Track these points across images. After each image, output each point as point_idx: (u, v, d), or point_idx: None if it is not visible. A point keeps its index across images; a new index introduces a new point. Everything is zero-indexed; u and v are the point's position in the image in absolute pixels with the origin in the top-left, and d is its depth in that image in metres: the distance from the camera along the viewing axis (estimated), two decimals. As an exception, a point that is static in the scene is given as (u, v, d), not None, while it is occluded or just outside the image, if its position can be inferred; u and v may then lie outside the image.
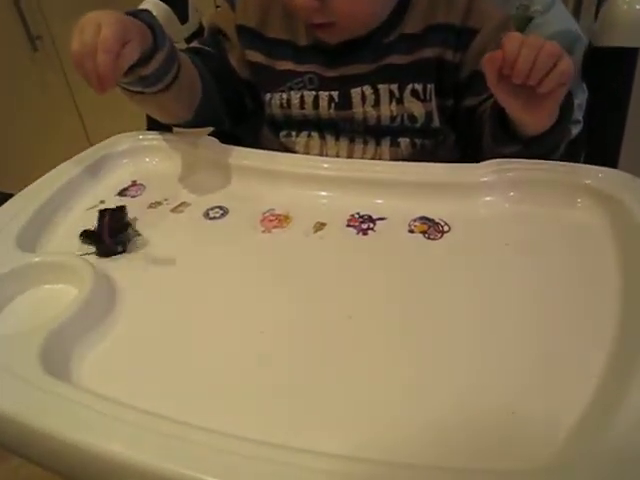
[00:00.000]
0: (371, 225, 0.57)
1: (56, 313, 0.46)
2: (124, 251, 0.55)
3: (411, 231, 0.56)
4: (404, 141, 0.70)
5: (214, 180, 0.65)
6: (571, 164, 0.59)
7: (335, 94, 0.70)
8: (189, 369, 0.44)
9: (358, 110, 0.70)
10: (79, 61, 0.52)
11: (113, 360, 0.45)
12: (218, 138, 0.69)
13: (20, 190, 0.63)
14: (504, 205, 0.58)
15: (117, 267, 0.53)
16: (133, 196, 0.65)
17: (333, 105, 0.70)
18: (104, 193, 0.65)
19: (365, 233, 0.56)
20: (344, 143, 0.72)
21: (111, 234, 0.56)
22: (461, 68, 0.68)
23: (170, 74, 0.62)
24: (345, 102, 0.70)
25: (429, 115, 0.69)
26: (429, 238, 0.55)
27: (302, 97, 0.71)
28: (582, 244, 0.53)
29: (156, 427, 0.37)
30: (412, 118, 0.69)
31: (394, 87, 0.68)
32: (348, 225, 0.57)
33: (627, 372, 0.39)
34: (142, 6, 0.86)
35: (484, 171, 0.59)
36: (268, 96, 0.73)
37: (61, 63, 1.62)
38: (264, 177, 0.64)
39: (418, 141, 0.71)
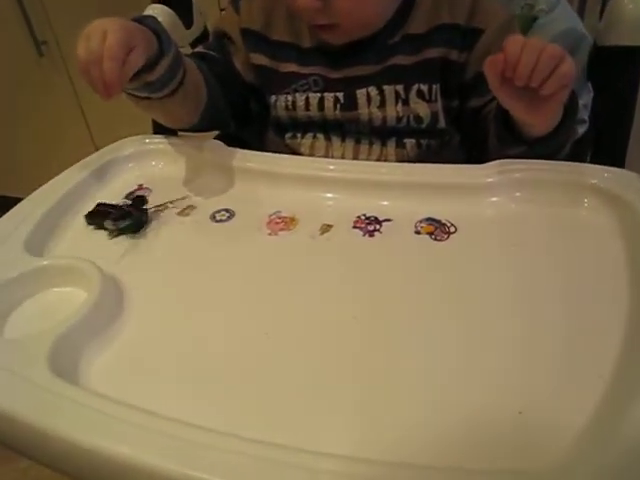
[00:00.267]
0: (377, 227, 0.57)
1: (65, 316, 0.46)
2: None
3: (417, 232, 0.56)
4: (410, 142, 0.70)
5: (220, 183, 0.66)
6: (577, 164, 0.59)
7: (340, 95, 0.70)
8: (196, 371, 0.44)
9: (364, 111, 0.70)
10: (85, 68, 0.53)
11: (121, 363, 0.45)
12: (223, 141, 0.69)
13: (27, 193, 0.63)
14: (510, 205, 0.58)
15: (124, 270, 0.53)
16: (140, 199, 0.65)
17: (338, 106, 0.70)
18: (111, 197, 0.65)
19: (371, 235, 0.56)
20: (350, 144, 0.72)
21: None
22: (466, 68, 0.68)
23: (175, 79, 0.62)
24: (350, 103, 0.70)
25: (435, 116, 0.69)
26: (436, 239, 0.55)
27: (307, 99, 0.71)
28: (589, 244, 0.53)
29: (164, 429, 0.37)
30: (418, 119, 0.69)
31: (399, 88, 0.68)
32: (354, 227, 0.57)
33: (635, 374, 0.39)
34: (147, 11, 0.87)
35: (490, 172, 0.59)
36: (273, 98, 0.74)
37: (67, 68, 1.63)
38: (270, 179, 0.64)
39: (424, 142, 0.71)
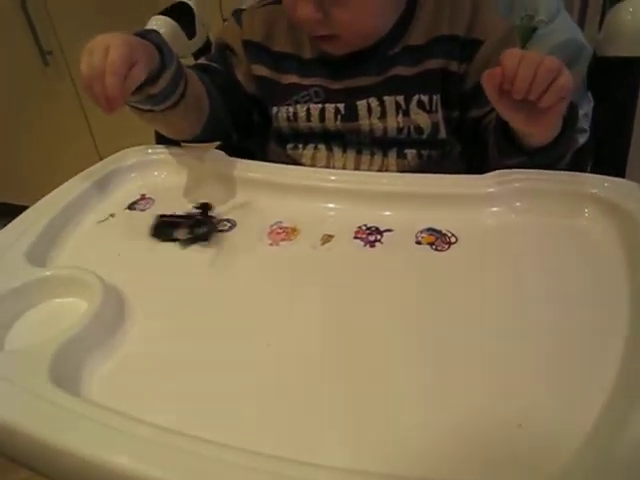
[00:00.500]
0: (378, 237, 0.57)
1: (66, 327, 0.46)
2: None
3: (418, 242, 0.56)
4: (411, 152, 0.71)
5: (222, 193, 0.66)
6: (577, 174, 0.59)
7: (341, 106, 0.70)
8: (197, 382, 0.44)
9: (364, 122, 0.70)
10: (88, 84, 0.54)
11: (122, 374, 0.45)
12: (225, 151, 0.69)
13: (31, 201, 0.64)
14: (510, 215, 0.58)
15: (126, 280, 0.53)
16: (142, 209, 0.66)
17: (339, 117, 0.71)
18: (113, 207, 0.66)
19: (372, 245, 0.56)
20: (351, 155, 0.72)
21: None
22: (466, 79, 0.68)
23: (177, 92, 0.62)
24: (351, 114, 0.70)
25: (435, 126, 0.70)
26: (436, 249, 0.55)
27: (308, 110, 0.71)
28: (589, 254, 0.53)
29: (165, 441, 0.37)
30: (418, 129, 0.70)
31: (400, 99, 0.69)
32: (355, 237, 0.57)
33: (636, 386, 0.39)
34: (150, 22, 0.87)
35: (490, 182, 0.59)
36: (275, 110, 0.74)
37: (71, 77, 1.65)
38: (271, 190, 0.64)
39: (425, 152, 0.71)
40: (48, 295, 0.52)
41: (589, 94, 0.78)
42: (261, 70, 0.74)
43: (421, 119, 0.69)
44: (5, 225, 0.60)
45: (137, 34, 0.59)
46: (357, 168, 0.72)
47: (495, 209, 0.59)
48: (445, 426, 0.39)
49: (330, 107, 0.71)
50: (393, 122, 0.69)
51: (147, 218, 0.63)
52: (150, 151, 0.72)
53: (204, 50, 0.94)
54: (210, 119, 0.70)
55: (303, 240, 0.58)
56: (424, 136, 0.70)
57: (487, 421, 0.39)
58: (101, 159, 0.72)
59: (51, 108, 1.72)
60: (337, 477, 0.35)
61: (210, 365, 0.45)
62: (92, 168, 0.70)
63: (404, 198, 0.60)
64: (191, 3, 0.93)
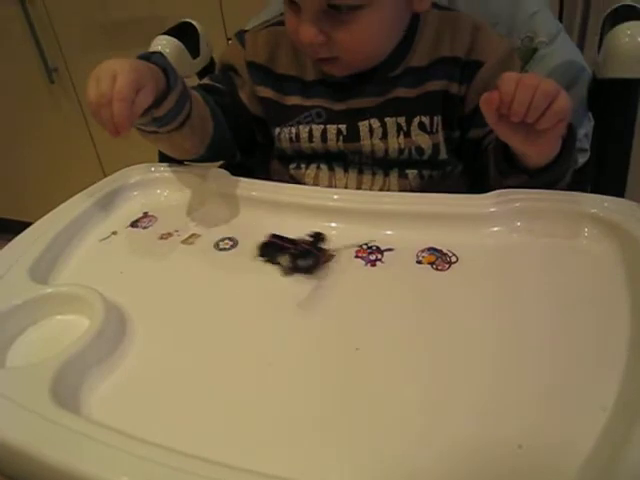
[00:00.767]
0: (379, 256, 0.58)
1: (68, 344, 0.46)
2: None
3: (419, 262, 0.56)
4: (412, 173, 0.71)
5: (224, 211, 0.66)
6: (576, 193, 0.59)
7: (343, 127, 0.71)
8: (198, 401, 0.44)
9: (366, 143, 0.71)
10: (96, 110, 0.54)
11: (124, 392, 0.45)
12: (228, 170, 0.70)
13: (35, 218, 0.64)
14: (511, 235, 0.58)
15: (128, 298, 0.54)
16: (145, 227, 0.66)
17: (341, 138, 0.71)
18: (116, 225, 0.66)
19: (373, 264, 0.57)
20: (353, 175, 0.73)
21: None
22: (466, 100, 0.69)
23: (182, 114, 0.63)
24: (353, 135, 0.71)
25: (436, 147, 0.70)
26: (437, 269, 0.55)
27: (310, 131, 0.72)
28: (589, 273, 0.53)
29: (165, 461, 0.37)
30: (419, 150, 0.70)
31: (401, 120, 0.69)
32: (357, 256, 0.58)
33: (636, 406, 0.39)
34: (154, 41, 0.88)
35: (491, 201, 0.60)
36: (277, 130, 0.75)
37: (76, 94, 1.66)
38: (274, 208, 0.65)
39: (426, 172, 0.72)
40: (50, 312, 0.52)
41: (589, 114, 0.79)
42: (265, 92, 0.75)
43: (422, 140, 0.70)
44: (9, 241, 0.61)
45: (142, 57, 0.60)
46: (359, 188, 0.72)
47: (496, 229, 0.59)
48: (445, 446, 0.39)
49: (332, 128, 0.71)
50: (394, 143, 0.70)
51: (149, 236, 0.64)
52: (153, 169, 0.73)
53: (208, 69, 0.95)
54: (214, 139, 0.71)
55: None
56: (425, 157, 0.71)
57: (487, 441, 0.39)
58: (105, 176, 0.73)
59: (56, 125, 1.74)
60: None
61: (211, 384, 0.45)
62: (95, 186, 0.71)
63: (405, 217, 0.61)
64: (195, 23, 0.94)
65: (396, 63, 0.70)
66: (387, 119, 0.70)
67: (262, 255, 0.58)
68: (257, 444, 0.40)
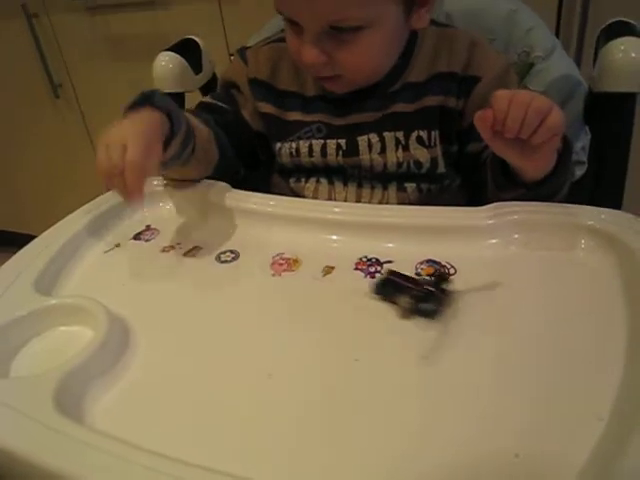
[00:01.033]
0: (378, 268, 0.58)
1: (72, 355, 0.47)
2: None
3: (418, 274, 0.57)
4: (410, 186, 0.72)
5: (225, 224, 0.67)
6: (573, 206, 0.60)
7: (342, 142, 0.72)
8: (200, 411, 0.44)
9: (365, 157, 0.72)
10: (109, 180, 0.55)
11: (127, 403, 0.46)
12: (230, 183, 0.71)
13: (39, 231, 0.65)
14: (508, 247, 0.59)
15: (131, 309, 0.54)
16: (147, 240, 0.67)
17: (341, 152, 0.72)
18: (119, 237, 0.67)
19: (373, 276, 0.57)
20: (352, 188, 0.74)
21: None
22: (464, 115, 0.70)
23: (187, 151, 0.65)
24: (352, 149, 0.72)
25: (434, 161, 0.71)
26: (435, 281, 0.56)
27: (310, 145, 0.73)
28: (586, 285, 0.53)
29: (168, 470, 0.37)
30: (418, 164, 0.71)
31: (400, 134, 0.70)
32: (356, 268, 0.58)
33: (633, 415, 0.39)
34: (158, 58, 0.90)
35: (489, 214, 0.60)
36: (278, 145, 0.76)
37: (81, 110, 1.68)
38: (274, 221, 0.65)
39: (424, 186, 0.72)
40: (54, 323, 0.53)
41: (586, 128, 0.80)
42: (267, 108, 0.76)
43: (420, 154, 0.71)
44: (13, 253, 0.62)
45: (144, 96, 0.61)
46: (358, 201, 0.73)
47: (493, 241, 0.59)
48: (442, 456, 0.39)
49: (332, 143, 0.72)
50: (393, 157, 0.71)
51: (151, 249, 0.65)
52: (155, 182, 0.74)
53: (210, 84, 0.96)
54: (220, 163, 0.72)
55: (305, 271, 0.59)
56: (423, 170, 0.71)
57: (484, 451, 0.39)
58: (108, 189, 0.74)
59: (60, 139, 1.76)
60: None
61: (213, 395, 0.46)
62: (98, 199, 0.72)
63: (404, 230, 0.61)
64: (198, 39, 0.96)
65: (395, 79, 0.71)
66: (386, 134, 0.71)
67: (379, 293, 0.54)
68: (259, 454, 0.41)
